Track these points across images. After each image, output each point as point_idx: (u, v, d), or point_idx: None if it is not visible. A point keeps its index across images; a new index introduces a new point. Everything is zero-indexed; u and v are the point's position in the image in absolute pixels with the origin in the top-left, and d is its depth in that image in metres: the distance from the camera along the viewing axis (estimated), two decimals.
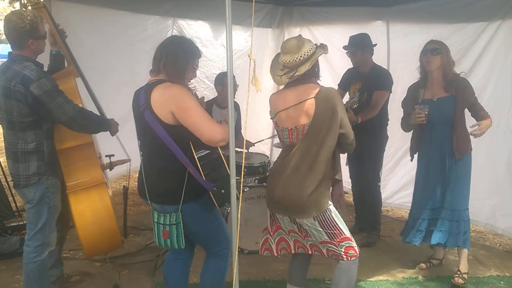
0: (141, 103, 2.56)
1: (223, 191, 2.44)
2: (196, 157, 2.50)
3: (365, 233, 4.60)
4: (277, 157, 2.97)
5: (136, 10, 5.30)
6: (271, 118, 3.01)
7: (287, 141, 2.85)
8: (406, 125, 3.89)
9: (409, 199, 5.32)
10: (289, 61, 2.71)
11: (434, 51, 3.56)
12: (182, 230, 2.60)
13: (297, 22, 6.22)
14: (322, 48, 2.78)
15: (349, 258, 2.82)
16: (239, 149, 4.11)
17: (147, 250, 4.29)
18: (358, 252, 2.86)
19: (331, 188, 2.89)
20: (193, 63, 2.67)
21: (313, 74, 2.81)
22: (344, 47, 4.37)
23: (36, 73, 2.76)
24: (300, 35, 2.81)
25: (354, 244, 2.84)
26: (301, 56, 2.68)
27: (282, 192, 2.79)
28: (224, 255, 2.82)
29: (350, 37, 4.34)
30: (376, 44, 4.38)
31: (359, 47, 4.26)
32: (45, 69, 3.06)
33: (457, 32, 4.67)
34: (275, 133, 5.88)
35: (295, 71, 2.71)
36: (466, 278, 3.71)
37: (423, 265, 4.00)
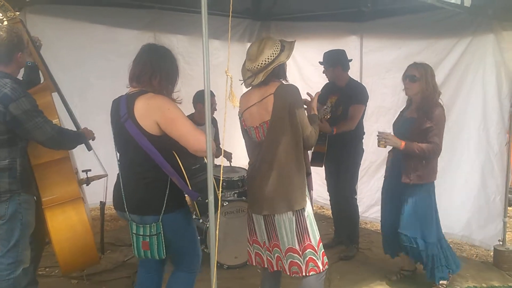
0: (122, 114, 2.53)
1: (207, 200, 2.38)
2: (182, 167, 2.48)
3: (344, 246, 4.62)
4: (251, 157, 3.02)
5: (114, 24, 5.29)
6: (239, 117, 3.04)
7: (255, 139, 2.89)
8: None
9: None
10: (250, 67, 2.81)
11: (412, 78, 3.57)
12: (163, 240, 2.57)
13: (274, 37, 6.28)
14: (285, 52, 2.82)
15: (308, 273, 2.81)
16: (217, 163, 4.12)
17: (124, 266, 4.23)
18: (321, 270, 2.83)
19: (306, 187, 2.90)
20: (177, 78, 2.72)
21: (275, 76, 2.83)
22: (320, 63, 4.45)
23: (16, 92, 2.71)
24: (264, 39, 2.85)
25: (318, 258, 2.83)
26: (259, 65, 2.76)
27: (258, 189, 2.86)
28: (195, 269, 2.80)
29: (324, 53, 4.42)
30: (351, 60, 4.46)
31: (330, 64, 4.36)
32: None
33: (428, 48, 4.78)
34: None
35: (254, 77, 2.80)
36: (445, 283, 3.78)
37: (393, 277, 4.04)
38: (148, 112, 2.47)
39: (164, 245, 2.58)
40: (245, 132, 2.98)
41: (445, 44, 4.68)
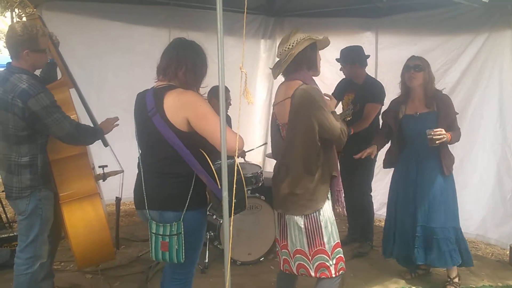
0: (150, 108, 2.46)
1: (235, 200, 2.25)
2: (212, 165, 2.41)
3: (357, 243, 4.61)
4: (275, 152, 3.01)
5: (129, 20, 5.31)
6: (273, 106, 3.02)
7: (281, 136, 2.87)
8: (380, 138, 3.93)
9: None
10: (281, 52, 2.74)
11: (416, 68, 3.56)
12: (184, 242, 2.46)
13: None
14: (316, 38, 2.75)
15: (318, 275, 2.75)
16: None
17: (139, 262, 4.25)
18: (334, 274, 2.74)
19: (327, 191, 2.81)
20: (205, 74, 2.64)
21: (304, 62, 2.73)
22: (337, 60, 4.42)
23: (35, 88, 2.73)
24: (296, 28, 2.81)
25: (331, 264, 2.74)
26: (290, 45, 2.69)
27: (276, 187, 2.85)
28: (191, 278, 2.71)
29: (341, 50, 4.38)
30: (369, 56, 4.43)
31: (348, 61, 4.33)
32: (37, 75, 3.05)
33: (444, 44, 4.74)
34: (267, 141, 5.98)
35: (283, 63, 2.72)
36: (459, 282, 3.76)
37: (408, 275, 4.01)
38: (179, 108, 2.40)
39: (184, 247, 2.47)
40: (276, 126, 2.91)
41: (461, 40, 4.63)
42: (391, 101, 3.91)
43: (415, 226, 3.67)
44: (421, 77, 3.57)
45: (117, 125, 3.28)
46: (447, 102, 3.60)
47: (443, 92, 3.68)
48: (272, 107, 3.00)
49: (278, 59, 2.84)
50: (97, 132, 3.16)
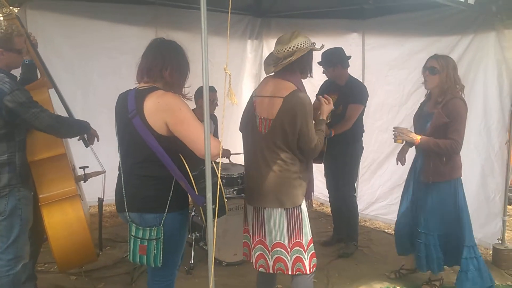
0: (130, 109, 2.43)
1: (213, 206, 2.23)
2: (189, 170, 2.37)
3: (343, 244, 4.62)
4: (248, 143, 2.98)
5: (115, 20, 5.27)
6: (252, 96, 2.99)
7: (257, 128, 2.86)
8: None
9: (384, 211, 5.41)
10: (279, 51, 2.79)
11: (432, 70, 3.47)
12: (162, 247, 2.45)
13: (275, 33, 6.28)
14: (315, 48, 2.86)
15: (294, 272, 2.81)
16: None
17: (124, 262, 4.22)
18: (308, 271, 2.81)
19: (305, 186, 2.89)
20: (188, 72, 2.62)
21: (299, 67, 2.83)
22: (318, 63, 4.42)
23: (10, 86, 2.72)
24: (297, 31, 2.86)
25: (305, 258, 2.80)
26: (290, 48, 2.75)
27: (252, 181, 2.89)
28: (172, 281, 2.69)
29: (322, 53, 4.37)
30: (351, 57, 4.44)
31: (330, 64, 4.33)
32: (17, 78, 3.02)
33: (430, 46, 4.75)
34: None
35: (281, 60, 2.79)
36: (437, 285, 3.79)
37: (392, 275, 4.03)
38: (158, 111, 2.37)
39: (162, 253, 2.46)
40: (252, 116, 2.89)
41: (447, 41, 4.65)
42: (421, 103, 3.84)
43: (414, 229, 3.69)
44: (436, 80, 3.46)
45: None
46: (448, 107, 3.41)
47: (459, 95, 3.52)
48: (253, 93, 2.98)
49: (273, 54, 2.88)
50: (79, 123, 3.15)
